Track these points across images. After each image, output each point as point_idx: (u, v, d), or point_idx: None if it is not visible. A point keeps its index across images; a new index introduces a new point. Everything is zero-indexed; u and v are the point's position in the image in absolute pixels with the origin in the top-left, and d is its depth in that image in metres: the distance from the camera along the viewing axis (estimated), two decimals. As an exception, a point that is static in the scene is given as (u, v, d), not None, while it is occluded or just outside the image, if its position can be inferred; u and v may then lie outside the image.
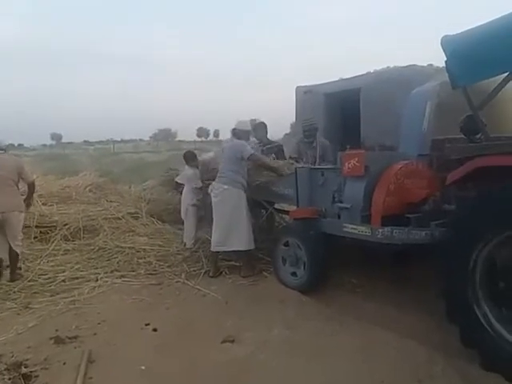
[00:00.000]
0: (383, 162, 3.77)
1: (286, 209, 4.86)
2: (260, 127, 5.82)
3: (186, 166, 5.50)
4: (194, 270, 4.60)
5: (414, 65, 5.39)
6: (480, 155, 2.61)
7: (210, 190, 4.65)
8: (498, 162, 2.47)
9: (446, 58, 2.87)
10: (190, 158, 5.46)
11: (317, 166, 4.45)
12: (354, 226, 3.64)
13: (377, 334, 3.01)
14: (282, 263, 4.17)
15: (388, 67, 5.85)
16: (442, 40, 2.90)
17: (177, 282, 4.31)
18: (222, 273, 4.53)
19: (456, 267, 2.61)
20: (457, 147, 2.99)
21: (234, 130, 4.75)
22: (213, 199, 4.55)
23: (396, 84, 5.27)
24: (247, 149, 4.53)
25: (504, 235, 2.44)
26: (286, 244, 4.14)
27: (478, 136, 3.01)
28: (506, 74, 2.76)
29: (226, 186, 4.43)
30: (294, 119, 7.90)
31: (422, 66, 5.29)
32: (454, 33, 2.96)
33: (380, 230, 3.41)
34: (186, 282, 4.29)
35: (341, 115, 6.76)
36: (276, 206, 5.06)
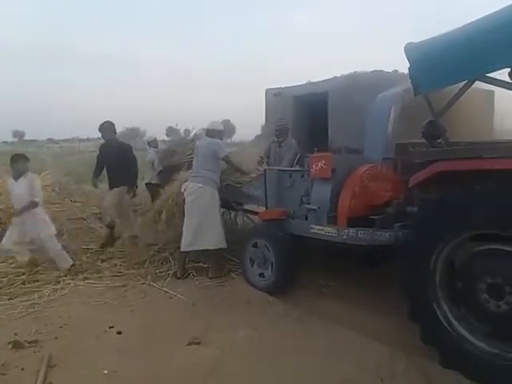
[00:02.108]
0: (349, 164, 3.85)
1: (254, 210, 4.86)
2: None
3: None
4: (161, 272, 4.53)
5: (380, 70, 5.55)
6: (440, 159, 2.70)
7: (183, 189, 4.59)
8: (458, 167, 2.57)
9: (409, 65, 2.95)
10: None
11: (285, 168, 4.48)
12: (321, 227, 3.70)
13: (342, 334, 3.06)
14: (250, 264, 4.17)
15: (355, 72, 5.98)
16: (405, 47, 2.98)
17: (142, 283, 4.23)
18: (189, 274, 4.48)
19: (417, 268, 2.68)
20: (419, 151, 3.08)
21: (207, 130, 4.75)
22: (186, 198, 4.49)
23: (362, 88, 5.40)
24: (223, 148, 4.57)
25: (461, 237, 2.53)
26: (255, 245, 4.14)
27: (438, 141, 3.12)
28: (464, 82, 2.87)
29: (200, 185, 4.39)
30: (264, 121, 7.98)
31: (388, 72, 5.45)
32: (417, 40, 3.06)
33: (346, 231, 3.48)
34: (151, 283, 4.21)
35: (309, 117, 6.87)
36: (245, 206, 5.06)
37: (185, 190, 4.52)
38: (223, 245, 4.44)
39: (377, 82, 5.28)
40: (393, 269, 3.13)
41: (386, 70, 5.50)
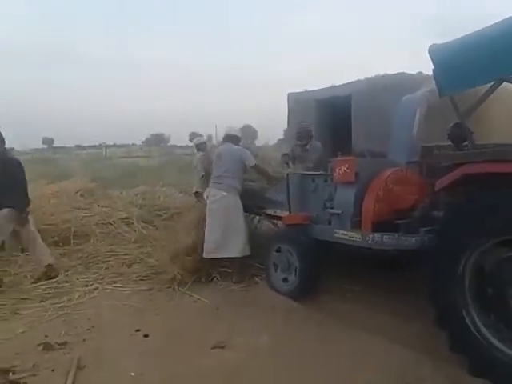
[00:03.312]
0: (373, 168, 3.80)
1: (278, 214, 4.86)
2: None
3: None
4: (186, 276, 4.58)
5: (404, 73, 5.48)
6: (467, 162, 2.64)
7: (205, 196, 4.64)
8: (485, 169, 2.50)
9: (433, 67, 2.91)
10: None
11: (308, 172, 4.48)
12: (345, 232, 3.67)
13: (366, 339, 3.02)
14: (274, 269, 4.17)
15: (378, 75, 5.92)
16: (429, 49, 2.94)
17: (168, 287, 4.29)
18: (213, 279, 4.51)
19: (445, 273, 2.63)
20: (445, 154, 3.02)
21: (226, 135, 4.79)
22: (209, 205, 4.53)
23: (386, 91, 5.35)
24: (250, 157, 4.59)
25: (490, 242, 2.46)
26: (278, 250, 4.14)
27: (465, 143, 3.05)
28: (491, 83, 2.80)
29: (224, 193, 4.42)
30: (286, 125, 7.99)
31: (412, 74, 5.37)
32: (442, 42, 3.01)
33: (370, 236, 3.43)
34: (176, 288, 4.27)
35: (332, 121, 6.83)
36: (268, 211, 5.07)
37: (207, 196, 4.57)
38: (247, 252, 4.45)
39: (400, 83, 5.22)
40: (419, 274, 3.06)
41: (408, 72, 5.41)
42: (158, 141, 67.03)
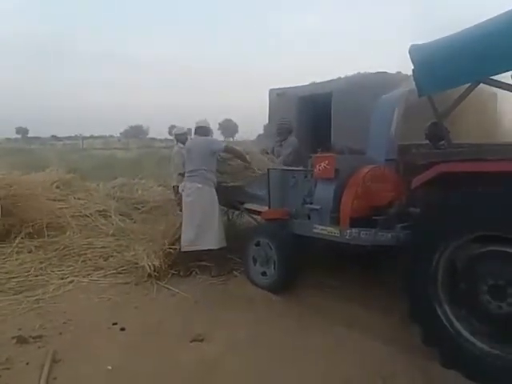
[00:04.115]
0: (352, 165, 3.86)
1: (257, 209, 4.87)
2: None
3: None
4: (164, 269, 4.54)
5: (384, 72, 5.55)
6: (443, 161, 2.71)
7: (181, 190, 4.62)
8: (460, 168, 2.58)
9: (413, 67, 2.96)
10: None
11: (288, 168, 4.50)
12: (324, 227, 3.71)
13: (344, 334, 3.08)
14: (253, 263, 4.19)
15: (359, 73, 5.99)
16: (409, 49, 2.99)
17: (145, 281, 4.24)
18: (192, 272, 4.50)
19: (419, 268, 2.70)
20: (422, 153, 3.10)
21: (197, 128, 4.78)
22: (184, 198, 4.52)
23: (366, 89, 5.40)
24: (219, 142, 4.69)
25: (464, 239, 2.54)
26: (257, 244, 4.16)
27: (441, 142, 3.12)
28: (468, 85, 2.87)
29: (199, 185, 4.41)
30: (267, 121, 7.99)
31: (392, 73, 5.45)
32: (422, 42, 3.07)
33: (348, 231, 3.49)
34: (154, 281, 4.23)
35: (312, 118, 6.86)
36: (248, 206, 5.08)
37: (183, 189, 4.55)
38: (223, 244, 4.46)
39: (381, 83, 5.28)
40: (395, 269, 3.13)
41: (388, 71, 5.49)
42: (136, 133, 66.06)
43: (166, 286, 4.14)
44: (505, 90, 2.97)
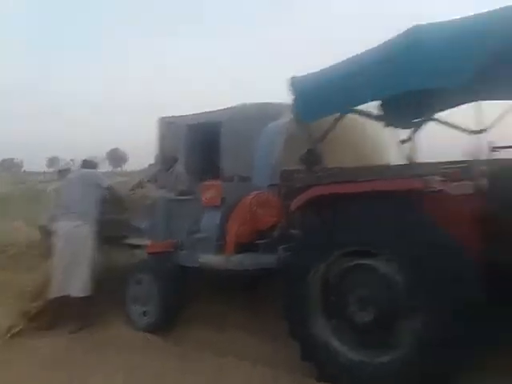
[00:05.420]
0: (238, 192, 4.03)
1: (141, 243, 4.72)
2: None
3: None
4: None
5: (269, 102, 5.97)
6: (317, 184, 2.98)
7: (54, 230, 4.28)
8: (331, 190, 2.86)
9: (292, 97, 3.26)
10: None
11: (174, 197, 4.50)
12: (210, 256, 3.77)
13: (227, 364, 3.12)
14: (133, 303, 4.03)
15: (245, 104, 6.33)
16: (289, 80, 3.31)
17: (5, 336, 3.78)
18: (59, 323, 4.13)
19: (296, 287, 2.90)
20: (299, 177, 3.36)
21: (84, 160, 4.63)
22: (57, 239, 4.20)
23: (253, 119, 5.73)
24: (104, 178, 4.54)
25: (335, 255, 2.80)
26: (139, 282, 4.02)
27: (317, 167, 3.42)
28: (338, 114, 3.23)
29: (76, 223, 4.14)
30: (157, 150, 7.93)
31: (276, 103, 5.87)
32: (301, 74, 3.40)
33: (233, 258, 3.59)
34: (15, 336, 3.79)
35: (203, 147, 7.01)
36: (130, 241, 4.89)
37: (55, 230, 4.23)
38: (87, 292, 4.14)
39: (265, 113, 5.65)
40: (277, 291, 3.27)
41: (273, 101, 5.91)
42: (7, 166, 60.25)
43: (28, 340, 3.75)
44: (370, 119, 3.40)
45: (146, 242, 4.49)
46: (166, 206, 4.31)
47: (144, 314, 3.95)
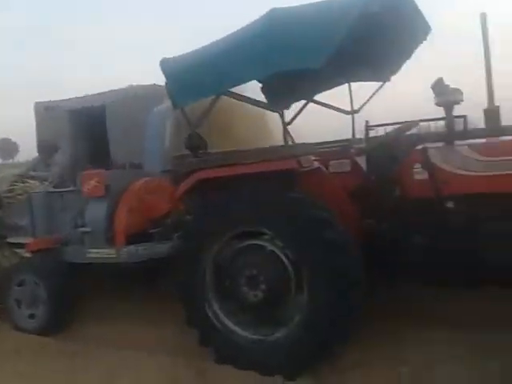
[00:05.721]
0: (126, 180, 3.89)
1: (21, 241, 4.37)
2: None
3: None
4: None
5: (155, 84, 5.81)
6: (200, 169, 3.00)
7: None
8: (213, 174, 2.90)
9: (165, 80, 3.18)
10: None
11: (53, 190, 4.22)
12: (99, 250, 3.63)
13: (121, 357, 3.06)
14: (17, 306, 3.73)
15: (131, 85, 6.11)
16: (161, 62, 3.21)
17: None
18: None
19: (189, 273, 2.91)
20: (184, 162, 3.34)
21: None
22: None
23: (139, 102, 5.57)
24: None
25: (225, 238, 2.87)
26: (21, 283, 3.73)
27: (200, 151, 3.44)
28: (213, 97, 3.22)
29: None
30: (36, 138, 7.31)
31: (161, 86, 5.74)
32: (172, 56, 3.32)
33: (125, 250, 3.50)
34: None
35: (88, 133, 6.64)
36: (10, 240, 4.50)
37: None
38: None
39: (152, 95, 5.51)
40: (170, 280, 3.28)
41: (159, 83, 5.77)
42: None
43: None
44: (244, 102, 3.47)
45: (28, 239, 4.17)
46: (45, 200, 4.02)
47: (30, 316, 3.68)
